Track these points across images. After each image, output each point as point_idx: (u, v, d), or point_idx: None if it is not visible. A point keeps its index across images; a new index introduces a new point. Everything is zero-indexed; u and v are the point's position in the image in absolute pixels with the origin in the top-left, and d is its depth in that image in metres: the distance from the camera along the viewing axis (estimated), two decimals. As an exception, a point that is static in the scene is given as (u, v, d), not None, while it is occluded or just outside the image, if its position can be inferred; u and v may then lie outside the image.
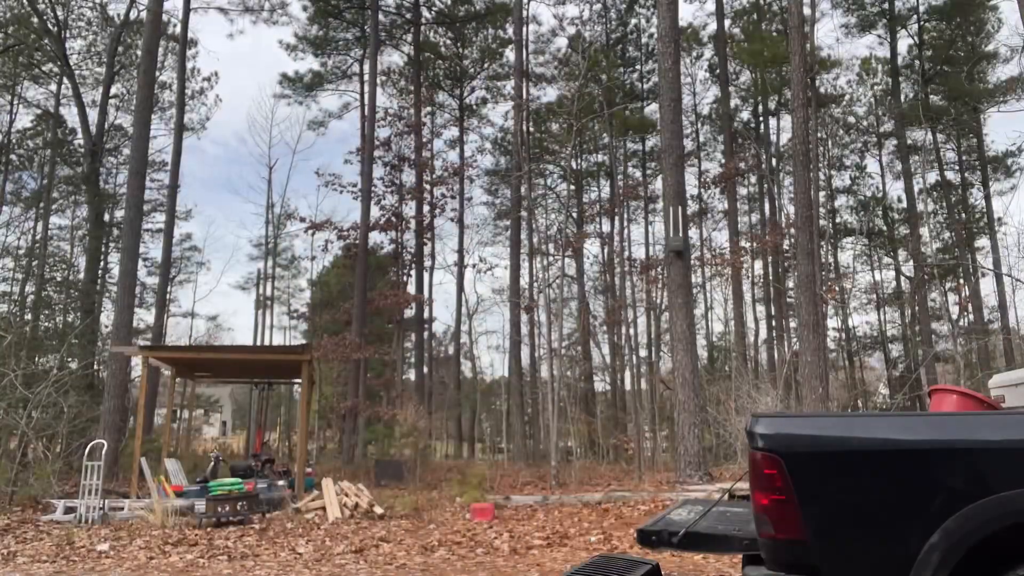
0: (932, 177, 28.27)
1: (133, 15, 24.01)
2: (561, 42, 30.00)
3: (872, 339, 30.78)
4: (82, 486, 10.25)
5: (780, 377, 16.62)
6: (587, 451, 23.26)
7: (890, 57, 27.40)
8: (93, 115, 23.66)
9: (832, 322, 28.28)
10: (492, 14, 28.49)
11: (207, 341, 33.12)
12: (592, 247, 28.56)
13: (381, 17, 26.44)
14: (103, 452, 11.05)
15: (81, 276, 23.82)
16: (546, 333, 20.86)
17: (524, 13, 24.76)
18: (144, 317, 26.72)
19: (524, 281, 25.09)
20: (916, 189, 26.53)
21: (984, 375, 16.22)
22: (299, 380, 15.86)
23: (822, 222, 25.92)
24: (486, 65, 30.76)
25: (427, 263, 28.05)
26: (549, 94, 32.52)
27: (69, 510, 10.42)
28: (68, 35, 24.71)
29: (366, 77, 26.71)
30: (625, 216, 29.04)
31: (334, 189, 24.34)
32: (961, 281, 26.38)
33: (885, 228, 29.72)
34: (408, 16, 27.67)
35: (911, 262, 27.07)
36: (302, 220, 25.21)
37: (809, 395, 12.85)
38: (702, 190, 26.96)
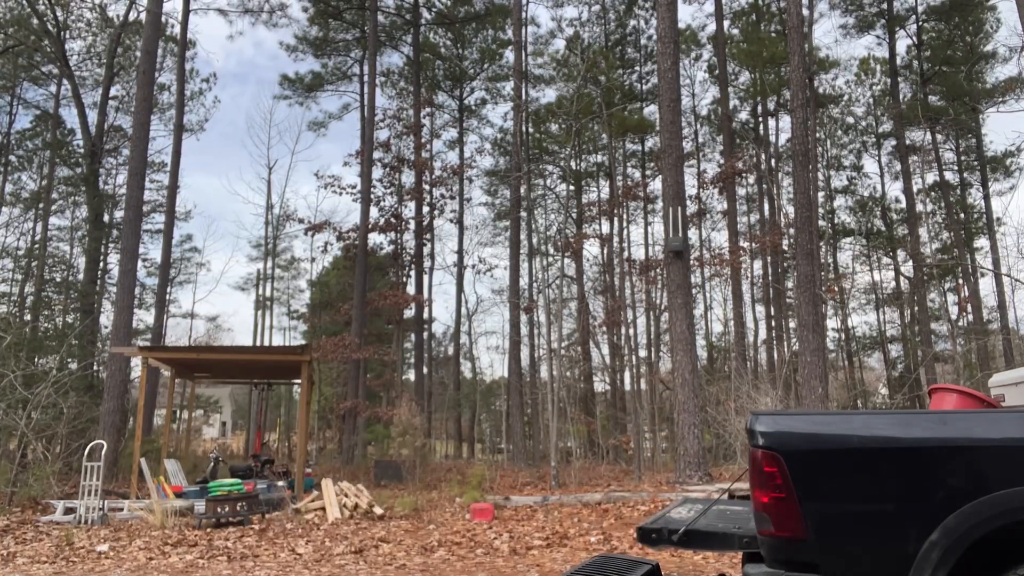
0: (931, 177, 28.34)
1: (132, 16, 24.05)
2: (560, 43, 30.09)
3: (871, 339, 30.81)
4: (82, 487, 10.25)
5: (780, 377, 16.66)
6: (587, 451, 23.24)
7: (889, 57, 27.45)
8: (93, 116, 23.68)
9: (831, 322, 28.36)
10: (491, 15, 28.52)
11: (207, 342, 33.09)
12: (591, 247, 28.58)
13: (381, 18, 26.47)
14: (103, 453, 11.04)
15: (80, 277, 23.80)
16: (546, 333, 20.86)
17: (523, 14, 24.79)
18: (144, 318, 26.73)
19: (524, 281, 25.08)
20: (915, 189, 26.59)
21: (983, 375, 16.26)
22: (299, 381, 15.87)
23: (821, 222, 25.96)
24: (486, 66, 30.81)
25: (426, 264, 28.07)
26: (548, 95, 32.56)
27: (69, 511, 10.42)
28: (68, 36, 24.73)
29: (366, 78, 26.75)
30: (624, 216, 29.06)
31: (333, 191, 24.39)
32: (960, 281, 26.38)
33: (884, 228, 29.75)
34: (408, 17, 27.68)
35: (910, 262, 27.11)
36: (301, 221, 25.33)
37: (809, 395, 12.87)
38: (701, 190, 26.93)
